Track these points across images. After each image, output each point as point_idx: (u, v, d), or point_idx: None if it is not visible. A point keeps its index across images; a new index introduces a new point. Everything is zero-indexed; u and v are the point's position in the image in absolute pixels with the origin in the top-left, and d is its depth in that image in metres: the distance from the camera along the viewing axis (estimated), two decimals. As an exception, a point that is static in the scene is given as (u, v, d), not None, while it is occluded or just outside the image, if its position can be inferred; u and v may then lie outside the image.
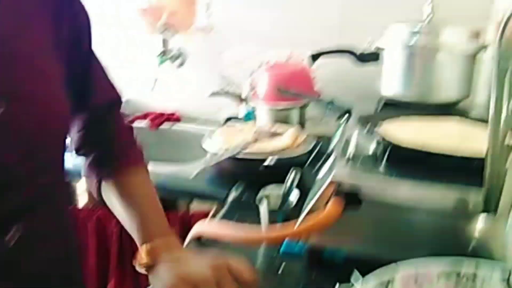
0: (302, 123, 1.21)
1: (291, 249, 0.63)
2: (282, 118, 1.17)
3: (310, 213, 0.56)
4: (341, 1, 1.31)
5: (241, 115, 1.36)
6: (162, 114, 1.54)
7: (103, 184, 0.62)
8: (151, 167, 1.04)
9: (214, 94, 1.29)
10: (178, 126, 1.50)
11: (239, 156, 0.88)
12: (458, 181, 0.54)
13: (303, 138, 0.97)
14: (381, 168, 0.59)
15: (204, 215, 0.93)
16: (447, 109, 0.96)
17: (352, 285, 0.53)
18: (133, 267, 0.56)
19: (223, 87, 1.48)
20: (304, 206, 0.66)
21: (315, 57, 1.08)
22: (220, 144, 0.94)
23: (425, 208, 0.53)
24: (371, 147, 0.65)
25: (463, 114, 0.77)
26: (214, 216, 0.89)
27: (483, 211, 0.46)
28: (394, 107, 1.00)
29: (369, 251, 0.57)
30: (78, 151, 0.64)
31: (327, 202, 0.55)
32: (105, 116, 0.65)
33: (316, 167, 0.73)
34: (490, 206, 0.46)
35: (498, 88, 0.46)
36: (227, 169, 0.90)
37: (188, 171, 1.01)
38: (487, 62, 1.11)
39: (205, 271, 0.48)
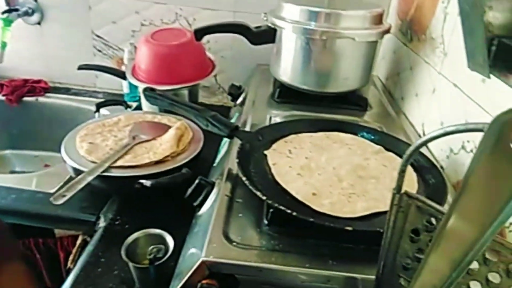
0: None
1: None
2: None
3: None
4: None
5: (125, 89, 1.15)
6: (24, 82, 1.25)
7: None
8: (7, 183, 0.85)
9: (83, 67, 1.05)
10: (46, 98, 1.24)
11: (108, 174, 0.72)
12: (349, 255, 0.47)
13: (188, 138, 0.83)
14: (264, 230, 0.50)
15: (72, 240, 0.79)
16: (345, 100, 0.89)
17: None
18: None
19: (99, 49, 1.23)
20: (182, 257, 0.56)
21: (199, 33, 0.89)
22: (82, 154, 0.76)
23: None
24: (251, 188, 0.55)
25: (356, 130, 0.69)
26: (82, 246, 0.75)
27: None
28: (289, 96, 0.90)
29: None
30: None
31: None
32: None
33: (198, 201, 0.62)
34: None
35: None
36: (95, 187, 0.74)
37: (52, 180, 0.83)
38: (385, 45, 1.04)
39: None
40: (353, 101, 0.90)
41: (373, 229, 0.45)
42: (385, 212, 0.50)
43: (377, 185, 0.56)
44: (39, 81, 1.26)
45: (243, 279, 0.46)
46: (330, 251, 0.47)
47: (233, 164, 0.63)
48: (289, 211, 0.47)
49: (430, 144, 0.73)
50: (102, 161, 0.73)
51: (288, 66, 0.88)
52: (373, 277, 0.41)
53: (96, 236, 0.71)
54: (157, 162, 0.76)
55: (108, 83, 1.25)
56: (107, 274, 0.62)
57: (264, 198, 0.49)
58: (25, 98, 1.23)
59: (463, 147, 0.64)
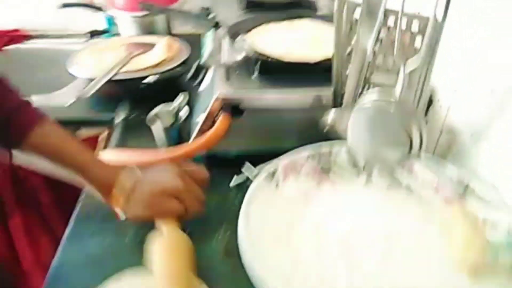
0: (169, 28, 1.21)
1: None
2: (147, 27, 1.15)
3: (201, 129, 0.67)
4: None
5: (102, 25, 1.27)
6: (2, 33, 1.33)
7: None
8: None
9: (66, 5, 1.16)
10: (27, 45, 1.33)
11: (116, 78, 0.88)
12: (314, 83, 0.68)
13: (176, 48, 1.00)
14: (254, 78, 0.70)
15: (94, 139, 0.95)
16: (296, 5, 1.08)
17: (246, 176, 0.68)
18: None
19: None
20: (194, 122, 0.75)
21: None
22: (90, 67, 0.91)
23: (291, 108, 0.67)
24: (241, 57, 0.75)
25: (311, 15, 0.90)
26: (107, 140, 0.92)
27: (333, 105, 0.62)
28: (255, 8, 1.07)
29: (254, 148, 0.72)
30: None
31: (215, 117, 0.66)
32: None
33: (197, 80, 0.81)
34: (337, 101, 0.61)
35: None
36: (106, 92, 0.90)
37: (61, 99, 0.97)
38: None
39: (176, 181, 0.56)
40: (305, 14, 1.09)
41: (327, 58, 0.66)
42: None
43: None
44: (16, 30, 1.35)
45: (246, 108, 0.66)
46: (302, 83, 0.68)
47: (220, 47, 0.82)
48: (270, 59, 0.67)
49: None
50: (110, 69, 0.90)
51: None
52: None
53: (118, 128, 0.88)
54: (155, 66, 0.94)
55: (85, 26, 1.35)
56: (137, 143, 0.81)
57: (252, 53, 0.69)
58: (5, 48, 1.32)
59: None
